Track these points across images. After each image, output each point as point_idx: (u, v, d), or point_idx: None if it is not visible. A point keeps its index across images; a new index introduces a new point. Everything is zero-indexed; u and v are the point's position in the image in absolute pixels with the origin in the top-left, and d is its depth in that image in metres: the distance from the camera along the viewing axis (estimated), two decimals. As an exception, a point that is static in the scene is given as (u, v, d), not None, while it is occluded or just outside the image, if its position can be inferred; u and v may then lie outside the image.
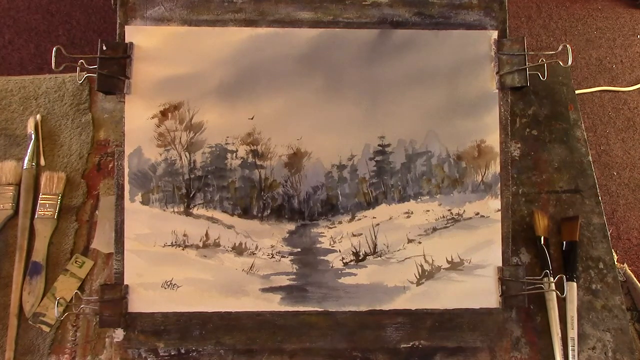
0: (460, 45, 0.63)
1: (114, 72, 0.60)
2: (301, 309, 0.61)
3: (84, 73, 0.60)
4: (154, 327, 0.60)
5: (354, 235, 0.62)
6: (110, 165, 0.68)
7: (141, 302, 0.60)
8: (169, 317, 0.60)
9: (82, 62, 0.59)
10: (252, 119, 0.62)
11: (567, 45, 0.59)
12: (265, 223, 0.62)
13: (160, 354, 0.61)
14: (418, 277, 0.61)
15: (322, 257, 0.61)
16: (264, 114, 0.62)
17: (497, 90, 0.63)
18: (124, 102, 0.61)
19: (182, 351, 0.61)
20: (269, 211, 0.62)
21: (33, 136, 0.68)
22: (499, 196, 0.62)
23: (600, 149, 1.62)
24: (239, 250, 0.61)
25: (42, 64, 1.45)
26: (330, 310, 0.61)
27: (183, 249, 0.61)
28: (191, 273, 0.60)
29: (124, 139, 0.61)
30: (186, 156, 0.61)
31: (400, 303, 0.61)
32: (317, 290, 0.61)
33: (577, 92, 0.73)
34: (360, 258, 0.61)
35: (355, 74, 0.62)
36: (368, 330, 0.61)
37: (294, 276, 0.61)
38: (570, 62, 0.59)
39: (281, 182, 0.62)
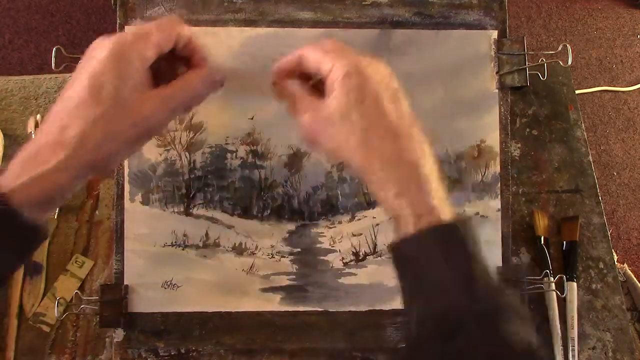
0: (460, 45, 0.63)
1: (114, 72, 0.60)
2: (301, 309, 0.61)
3: (84, 73, 0.60)
4: (154, 327, 0.60)
5: (354, 235, 0.62)
6: (110, 165, 0.68)
7: (141, 302, 0.60)
8: (169, 317, 0.60)
9: (82, 62, 0.59)
10: (252, 119, 0.62)
11: (567, 45, 0.59)
12: (265, 223, 0.61)
13: (160, 354, 0.61)
14: (418, 277, 0.61)
15: (322, 257, 0.61)
16: (264, 114, 0.62)
17: (497, 90, 0.63)
18: (124, 102, 0.61)
19: (182, 351, 0.61)
20: (269, 211, 0.62)
21: (33, 136, 0.68)
22: (499, 196, 0.62)
23: (600, 149, 1.62)
24: (239, 250, 0.61)
25: (42, 64, 1.45)
26: (330, 310, 0.61)
27: (183, 249, 0.61)
28: (191, 273, 0.60)
29: (124, 139, 0.61)
30: (186, 156, 0.61)
31: (400, 303, 0.61)
32: (317, 290, 0.61)
33: (577, 92, 0.73)
34: (360, 258, 0.61)
35: (355, 74, 0.62)
36: (368, 330, 0.61)
37: (294, 276, 0.61)
38: (570, 62, 0.59)
39: (281, 182, 0.62)
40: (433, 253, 0.40)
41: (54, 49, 0.57)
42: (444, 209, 0.41)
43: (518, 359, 0.37)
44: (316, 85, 0.46)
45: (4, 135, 0.69)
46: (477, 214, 0.62)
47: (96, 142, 0.41)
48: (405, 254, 0.42)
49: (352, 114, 0.42)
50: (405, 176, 0.42)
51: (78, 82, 0.41)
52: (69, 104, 0.41)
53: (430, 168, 0.42)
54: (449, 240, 0.40)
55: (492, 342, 0.38)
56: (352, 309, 0.61)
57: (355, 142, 0.42)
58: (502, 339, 0.38)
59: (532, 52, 0.63)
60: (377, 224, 0.62)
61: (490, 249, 0.62)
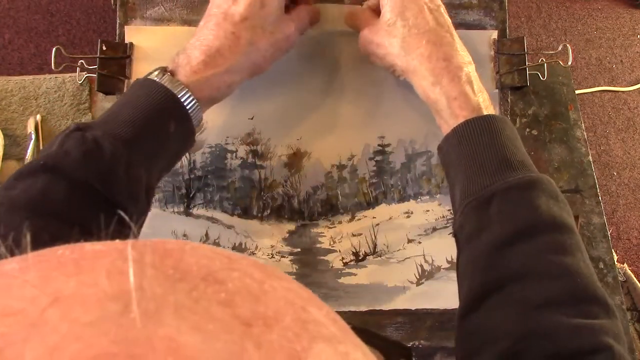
0: (460, 45, 0.63)
1: (114, 72, 0.60)
2: (301, 309, 0.61)
3: (84, 73, 0.60)
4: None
5: (353, 235, 0.62)
6: (110, 165, 0.68)
7: (141, 302, 0.60)
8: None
9: (82, 62, 0.59)
10: (252, 119, 0.62)
11: (567, 45, 0.59)
12: (265, 223, 0.61)
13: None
14: (418, 277, 0.61)
15: (322, 257, 0.61)
16: (264, 114, 0.62)
17: (497, 90, 0.63)
18: (124, 102, 0.61)
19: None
20: (268, 211, 0.62)
21: (33, 136, 0.68)
22: (499, 196, 0.62)
23: (600, 149, 1.62)
24: (239, 250, 0.61)
25: (42, 64, 1.45)
26: (330, 310, 0.61)
27: (183, 249, 0.61)
28: (191, 273, 0.60)
29: (124, 139, 0.61)
30: (186, 156, 0.61)
31: (400, 303, 0.61)
32: (317, 290, 0.61)
33: (577, 92, 0.73)
34: (360, 258, 0.61)
35: (355, 74, 0.62)
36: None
37: (294, 276, 0.61)
38: (570, 62, 0.59)
39: (281, 182, 0.62)
40: (472, 139, 0.47)
41: (54, 49, 0.57)
42: (478, 100, 0.49)
43: (543, 226, 0.42)
44: (377, 10, 0.55)
45: (4, 135, 0.69)
46: (477, 214, 0.62)
47: (264, 49, 0.51)
48: (446, 143, 0.50)
49: (397, 23, 0.51)
50: (439, 68, 0.49)
51: (242, 1, 0.49)
52: (235, 19, 0.49)
53: (467, 70, 0.50)
54: (487, 127, 0.47)
55: (522, 209, 0.43)
56: (352, 308, 0.61)
57: (398, 47, 0.51)
58: (532, 206, 0.43)
59: (532, 52, 0.63)
60: (377, 224, 0.62)
61: (490, 249, 0.62)
